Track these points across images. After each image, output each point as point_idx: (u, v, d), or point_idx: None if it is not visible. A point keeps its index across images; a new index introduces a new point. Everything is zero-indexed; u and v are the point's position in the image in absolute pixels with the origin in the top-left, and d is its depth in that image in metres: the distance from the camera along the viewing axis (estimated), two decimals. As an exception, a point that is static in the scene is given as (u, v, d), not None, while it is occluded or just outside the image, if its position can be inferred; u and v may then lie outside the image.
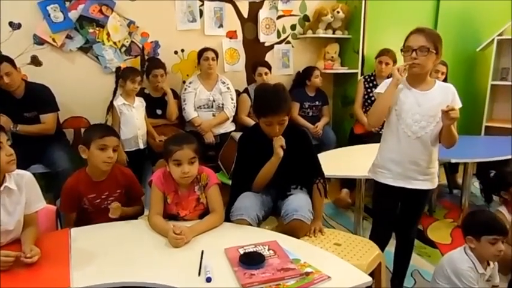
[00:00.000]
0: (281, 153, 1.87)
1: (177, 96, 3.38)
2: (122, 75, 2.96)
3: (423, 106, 1.81)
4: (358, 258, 1.72)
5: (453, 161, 2.90)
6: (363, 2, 3.75)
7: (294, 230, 1.80)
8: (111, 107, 2.99)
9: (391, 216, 2.03)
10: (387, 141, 1.93)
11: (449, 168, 3.58)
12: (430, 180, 1.91)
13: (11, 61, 2.63)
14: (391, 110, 1.87)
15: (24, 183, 1.54)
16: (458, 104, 1.82)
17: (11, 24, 2.93)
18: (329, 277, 1.34)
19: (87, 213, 1.90)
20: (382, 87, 1.88)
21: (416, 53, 1.74)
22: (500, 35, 3.86)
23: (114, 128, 2.22)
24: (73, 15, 3.06)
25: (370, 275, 1.48)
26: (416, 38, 1.76)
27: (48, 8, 2.98)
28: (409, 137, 1.83)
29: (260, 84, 3.00)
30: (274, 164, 1.90)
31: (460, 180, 3.49)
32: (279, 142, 1.87)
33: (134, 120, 2.95)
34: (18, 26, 2.95)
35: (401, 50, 1.82)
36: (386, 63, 3.48)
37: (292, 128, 2.00)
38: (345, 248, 1.79)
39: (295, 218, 1.80)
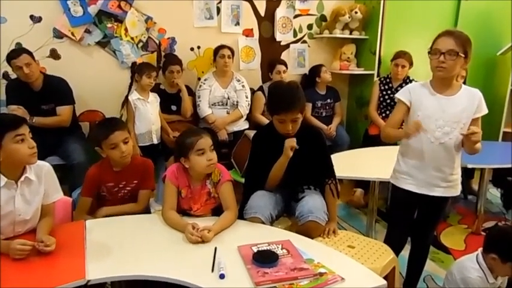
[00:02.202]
0: (290, 153, 1.84)
1: (192, 92, 3.39)
2: (137, 70, 2.98)
3: (447, 112, 1.75)
4: (372, 261, 1.70)
5: (469, 166, 2.85)
6: (382, 2, 3.70)
7: (309, 231, 1.79)
8: (126, 102, 3.01)
9: (409, 221, 1.99)
10: (410, 147, 1.86)
11: (465, 174, 3.49)
12: (453, 187, 1.86)
13: (30, 53, 2.68)
14: (414, 115, 1.80)
15: (43, 174, 1.57)
16: (483, 111, 1.76)
17: (31, 17, 2.97)
18: (343, 278, 1.33)
19: (104, 200, 1.95)
20: (404, 94, 1.83)
21: (444, 56, 1.67)
22: (522, 39, 3.78)
23: (116, 120, 2.18)
24: (92, 9, 3.09)
25: (383, 278, 1.46)
26: (445, 41, 1.68)
27: (69, 2, 3.02)
28: (432, 143, 1.78)
29: (274, 82, 2.99)
30: (283, 163, 1.88)
31: (475, 186, 3.43)
32: (290, 143, 1.85)
33: (148, 115, 2.97)
34: (39, 19, 2.99)
35: (429, 52, 1.74)
36: (403, 66, 3.45)
37: (307, 127, 1.98)
38: (359, 250, 1.77)
39: (310, 220, 1.78)
